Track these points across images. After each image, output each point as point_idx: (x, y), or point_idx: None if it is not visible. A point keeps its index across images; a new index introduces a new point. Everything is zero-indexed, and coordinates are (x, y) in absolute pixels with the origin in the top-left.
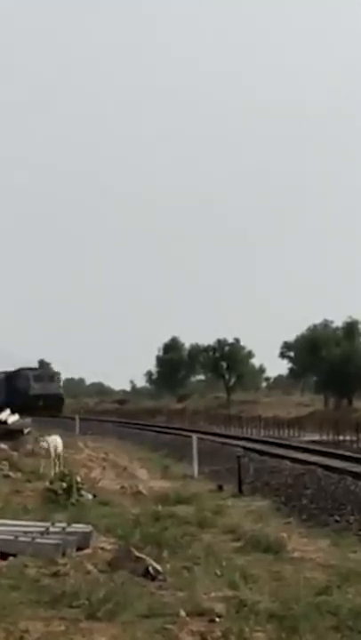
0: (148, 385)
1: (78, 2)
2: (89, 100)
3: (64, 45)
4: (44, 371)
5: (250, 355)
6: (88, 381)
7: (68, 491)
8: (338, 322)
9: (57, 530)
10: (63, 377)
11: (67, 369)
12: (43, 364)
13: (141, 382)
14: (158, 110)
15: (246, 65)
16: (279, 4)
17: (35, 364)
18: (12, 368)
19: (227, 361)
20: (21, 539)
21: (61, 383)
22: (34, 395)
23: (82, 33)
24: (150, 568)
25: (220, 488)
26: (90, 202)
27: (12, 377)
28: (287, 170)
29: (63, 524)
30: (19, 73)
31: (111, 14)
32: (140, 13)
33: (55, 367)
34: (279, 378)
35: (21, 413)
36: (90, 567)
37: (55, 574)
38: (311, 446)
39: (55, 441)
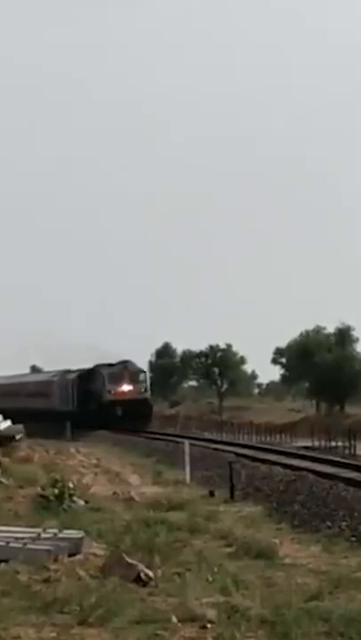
0: None
1: None
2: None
3: None
4: (122, 367)
5: (242, 360)
6: None
7: (59, 497)
8: (330, 328)
9: (49, 536)
10: None
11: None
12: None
13: None
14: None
15: None
16: None
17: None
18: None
19: (219, 367)
20: (13, 545)
21: (148, 384)
22: (109, 401)
23: None
24: (142, 574)
25: (212, 494)
26: (84, 206)
27: (85, 377)
28: (282, 173)
29: (55, 530)
30: None
31: None
32: None
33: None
34: (271, 384)
35: (95, 426)
36: (81, 573)
37: (47, 580)
38: (303, 452)
39: None
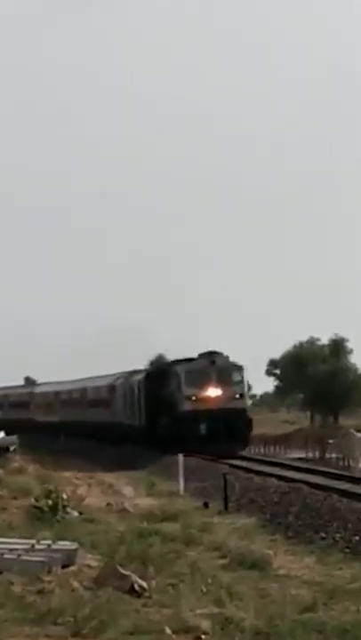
0: None
1: None
2: None
3: None
4: (207, 361)
5: None
6: None
7: (53, 508)
8: (324, 339)
9: (42, 547)
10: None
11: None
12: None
13: None
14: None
15: None
16: None
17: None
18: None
19: None
20: (7, 556)
21: (246, 387)
22: (187, 412)
23: None
24: (136, 585)
25: (206, 505)
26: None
27: (155, 377)
28: (281, 181)
29: (49, 542)
30: None
31: None
32: None
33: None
34: (265, 395)
35: (167, 448)
36: (75, 584)
37: (40, 591)
38: (297, 464)
39: None
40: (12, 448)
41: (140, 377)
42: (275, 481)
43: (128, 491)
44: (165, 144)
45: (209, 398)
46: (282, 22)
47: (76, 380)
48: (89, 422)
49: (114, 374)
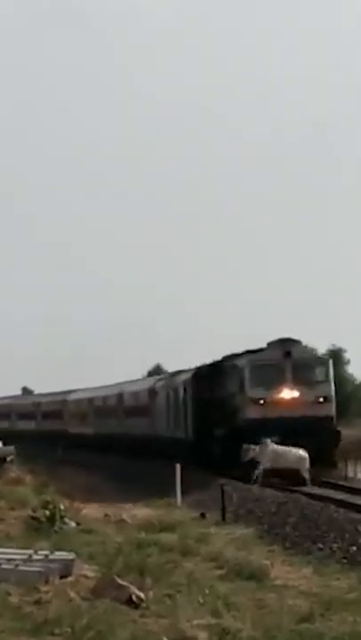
0: None
1: None
2: None
3: None
4: (280, 352)
5: None
6: None
7: (51, 519)
8: (321, 349)
9: (40, 557)
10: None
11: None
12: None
13: None
14: None
15: None
16: None
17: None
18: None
19: None
20: (4, 566)
21: (333, 388)
22: (252, 420)
23: None
24: (133, 596)
25: (203, 516)
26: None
27: (207, 376)
28: (281, 186)
29: (46, 552)
30: None
31: None
32: None
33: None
34: None
35: (224, 469)
36: (73, 595)
37: (38, 602)
38: None
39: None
40: (8, 459)
41: (186, 377)
42: (272, 491)
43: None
44: (165, 144)
45: (283, 402)
46: (281, 22)
47: (113, 385)
48: (126, 435)
49: (156, 377)
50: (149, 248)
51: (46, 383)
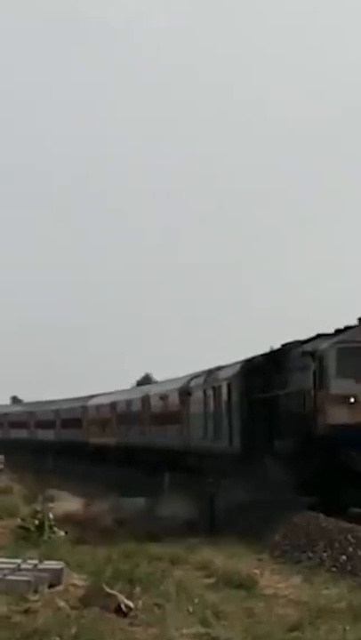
0: None
1: None
2: None
3: None
4: None
5: None
6: None
7: (40, 528)
8: None
9: (29, 567)
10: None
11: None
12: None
13: None
14: None
15: None
16: None
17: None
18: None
19: None
20: None
21: None
22: (339, 427)
23: None
24: (122, 605)
25: (191, 525)
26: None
27: (264, 370)
28: (282, 188)
29: (35, 561)
30: None
31: None
32: None
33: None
34: None
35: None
36: (61, 604)
37: (26, 611)
38: None
39: None
40: None
41: (231, 372)
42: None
43: None
44: (165, 144)
45: None
46: (282, 22)
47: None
48: (152, 446)
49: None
50: (142, 255)
51: (36, 392)
